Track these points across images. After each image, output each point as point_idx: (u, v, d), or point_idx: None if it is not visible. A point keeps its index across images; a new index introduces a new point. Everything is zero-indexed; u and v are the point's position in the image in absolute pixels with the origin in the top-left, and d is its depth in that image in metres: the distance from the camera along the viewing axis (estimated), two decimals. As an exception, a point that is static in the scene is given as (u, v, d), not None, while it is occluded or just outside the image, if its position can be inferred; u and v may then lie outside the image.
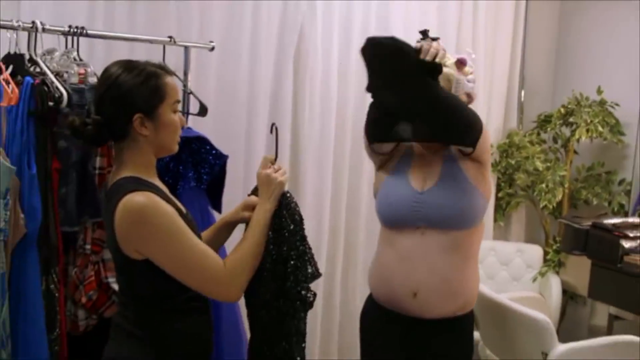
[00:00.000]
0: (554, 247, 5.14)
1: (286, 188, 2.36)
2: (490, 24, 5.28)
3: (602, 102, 5.16)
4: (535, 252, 5.26)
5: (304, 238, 2.32)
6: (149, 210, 2.07)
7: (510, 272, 5.26)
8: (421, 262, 2.74)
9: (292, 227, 2.30)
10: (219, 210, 3.34)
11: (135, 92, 2.15)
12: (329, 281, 4.59)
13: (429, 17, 4.88)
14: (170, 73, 2.26)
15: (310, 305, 2.33)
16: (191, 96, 3.48)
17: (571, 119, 5.17)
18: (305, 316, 2.35)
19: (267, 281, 2.28)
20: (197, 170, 3.23)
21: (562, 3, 5.73)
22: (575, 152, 5.30)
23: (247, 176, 4.03)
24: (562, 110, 5.25)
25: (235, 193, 3.74)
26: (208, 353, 2.34)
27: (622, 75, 5.18)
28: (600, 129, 5.00)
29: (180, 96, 2.30)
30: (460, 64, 2.74)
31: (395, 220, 2.80)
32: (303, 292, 2.30)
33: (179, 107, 2.28)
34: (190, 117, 3.45)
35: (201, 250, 2.13)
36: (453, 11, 5.05)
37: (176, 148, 2.29)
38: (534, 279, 5.15)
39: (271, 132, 2.41)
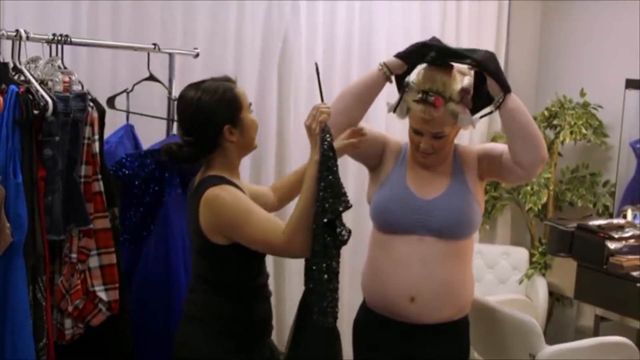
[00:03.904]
0: (540, 249, 5.16)
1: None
2: (473, 24, 5.29)
3: (585, 105, 5.17)
4: (521, 254, 5.28)
5: (330, 169, 2.33)
6: (227, 199, 2.38)
7: (496, 274, 5.27)
8: (418, 268, 2.75)
9: (318, 157, 2.35)
10: None
11: (219, 108, 2.45)
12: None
13: (412, 19, 4.90)
14: (235, 82, 2.55)
15: (342, 242, 2.35)
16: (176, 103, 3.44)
17: (555, 122, 5.18)
18: (338, 254, 2.37)
19: None
20: (183, 177, 3.22)
21: (544, 3, 5.74)
22: (559, 154, 5.31)
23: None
24: (546, 112, 5.26)
25: None
26: (267, 337, 2.64)
27: (605, 76, 5.18)
28: (584, 131, 5.01)
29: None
30: (465, 93, 2.72)
31: (395, 226, 2.79)
32: (337, 223, 2.33)
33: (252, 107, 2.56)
34: (175, 123, 3.43)
35: (264, 225, 2.38)
36: (436, 12, 5.07)
37: (256, 144, 2.58)
38: (520, 281, 5.17)
39: (317, 72, 2.51)
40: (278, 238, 2.36)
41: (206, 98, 2.45)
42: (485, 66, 2.65)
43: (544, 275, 5.10)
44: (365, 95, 2.74)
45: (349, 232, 2.37)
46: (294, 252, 2.40)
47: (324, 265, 2.32)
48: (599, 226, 4.45)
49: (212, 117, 2.44)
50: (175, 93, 3.48)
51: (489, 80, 2.67)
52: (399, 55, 2.76)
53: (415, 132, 2.78)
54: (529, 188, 5.13)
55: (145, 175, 3.16)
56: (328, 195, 2.30)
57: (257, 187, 2.95)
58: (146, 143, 3.38)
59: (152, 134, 3.55)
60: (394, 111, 2.80)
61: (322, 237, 2.32)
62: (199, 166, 3.06)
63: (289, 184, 2.86)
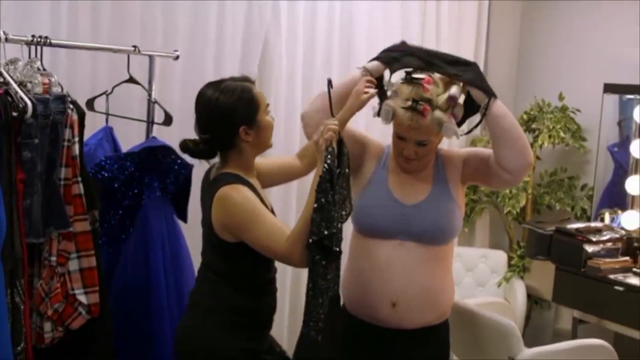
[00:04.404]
0: (518, 252, 5.18)
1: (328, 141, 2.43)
2: (454, 24, 5.30)
3: (563, 108, 5.19)
4: (499, 257, 5.30)
5: (324, 191, 2.36)
6: (238, 200, 2.44)
7: (475, 277, 5.29)
8: (400, 272, 2.75)
9: (323, 172, 2.37)
10: (184, 219, 3.33)
11: (236, 109, 2.50)
12: (295, 291, 4.58)
13: (392, 20, 4.91)
14: (253, 82, 2.63)
15: (332, 255, 2.40)
16: (156, 105, 3.46)
17: (534, 125, 5.18)
18: (325, 273, 2.40)
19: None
20: (162, 179, 3.22)
21: (524, 3, 5.74)
22: (538, 157, 5.28)
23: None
24: (525, 116, 5.25)
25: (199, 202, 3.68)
26: (269, 329, 2.72)
27: (584, 80, 5.19)
28: (562, 134, 5.04)
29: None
30: (452, 101, 2.71)
31: (376, 230, 2.79)
32: (325, 242, 2.35)
33: (269, 109, 2.61)
34: (155, 126, 3.44)
35: (269, 231, 2.44)
36: (416, 12, 5.08)
37: (271, 143, 2.65)
38: (499, 284, 5.18)
39: (328, 87, 2.58)
40: (280, 246, 2.43)
41: (224, 98, 2.51)
42: (470, 81, 2.71)
43: (522, 278, 5.11)
44: (345, 96, 2.73)
45: (339, 252, 2.42)
46: (294, 261, 2.46)
47: (311, 283, 2.39)
48: (577, 229, 4.46)
49: (229, 117, 2.51)
50: (155, 95, 3.48)
51: (472, 90, 2.72)
52: (381, 60, 2.79)
53: (399, 137, 2.77)
54: (507, 191, 5.14)
55: (124, 178, 3.16)
56: (317, 217, 2.34)
57: (280, 159, 3.01)
58: (125, 145, 3.36)
59: (132, 136, 3.54)
60: (379, 115, 2.79)
61: (312, 255, 2.37)
62: (178, 170, 3.16)
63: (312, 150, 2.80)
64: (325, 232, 2.34)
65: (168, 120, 3.44)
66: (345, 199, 2.48)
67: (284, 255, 2.45)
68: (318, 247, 2.36)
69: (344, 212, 2.48)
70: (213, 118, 2.53)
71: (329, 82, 2.59)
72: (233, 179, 2.52)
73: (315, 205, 2.34)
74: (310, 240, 2.34)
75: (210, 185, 2.57)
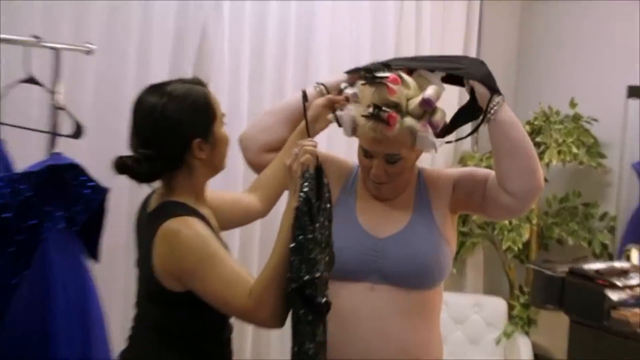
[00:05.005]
0: (522, 300, 5.20)
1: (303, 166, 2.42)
2: (437, 27, 5.42)
3: (576, 117, 5.26)
4: (497, 306, 5.33)
5: (302, 227, 2.33)
6: (189, 237, 2.38)
7: (466, 332, 5.31)
8: (370, 324, 2.73)
9: (299, 203, 2.35)
10: (95, 258, 3.30)
11: (188, 118, 2.48)
12: (239, 334, 4.44)
13: (361, 21, 5.01)
14: (206, 85, 2.60)
15: (319, 308, 2.36)
16: (62, 112, 3.37)
17: (538, 139, 5.21)
18: (312, 332, 2.36)
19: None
20: (68, 207, 3.18)
21: (523, 3, 5.88)
22: (544, 179, 5.26)
23: (133, 213, 3.91)
24: (527, 127, 5.28)
25: (118, 235, 3.76)
26: None
27: (601, 83, 5.27)
28: (574, 150, 5.08)
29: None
30: (427, 105, 2.69)
31: (341, 271, 2.71)
32: (307, 291, 2.32)
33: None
34: (60, 138, 3.35)
35: (228, 279, 2.38)
36: (391, 12, 5.17)
37: (225, 164, 2.64)
38: (498, 341, 5.21)
39: (303, 100, 2.64)
40: (242, 299, 2.36)
41: (173, 105, 2.47)
42: (471, 75, 2.74)
43: (527, 333, 5.14)
44: (296, 117, 2.81)
45: (327, 304, 2.38)
46: (260, 319, 2.39)
47: (297, 347, 2.35)
48: (597, 271, 4.40)
49: (180, 129, 2.48)
50: (62, 98, 3.38)
51: (476, 87, 2.74)
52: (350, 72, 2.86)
53: (365, 153, 2.78)
54: (506, 222, 5.17)
55: (18, 205, 3.08)
56: (296, 258, 2.31)
57: (232, 193, 3.05)
58: (20, 163, 3.31)
59: (29, 151, 3.50)
60: (339, 125, 2.81)
61: (294, 309, 2.34)
62: (89, 196, 3.15)
63: (272, 177, 2.90)
64: (307, 277, 2.30)
65: (78, 131, 3.36)
66: (327, 243, 2.46)
67: (247, 310, 2.37)
68: (300, 298, 2.32)
69: (327, 259, 2.44)
70: (159, 129, 2.48)
71: (304, 95, 2.62)
72: (181, 210, 2.47)
73: (293, 245, 2.31)
74: (290, 289, 2.30)
75: (150, 218, 2.53)
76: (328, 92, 2.83)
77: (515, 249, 5.18)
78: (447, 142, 2.83)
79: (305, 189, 2.35)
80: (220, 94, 4.41)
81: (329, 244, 2.45)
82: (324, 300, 2.35)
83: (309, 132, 2.62)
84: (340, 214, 2.79)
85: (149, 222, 2.52)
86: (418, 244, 2.79)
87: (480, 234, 5.50)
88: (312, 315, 2.34)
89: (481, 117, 2.73)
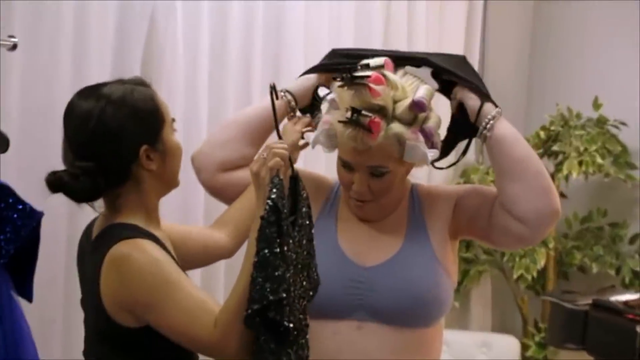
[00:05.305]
0: (537, 338, 5.20)
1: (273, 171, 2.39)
2: (433, 29, 5.49)
3: (601, 121, 5.21)
4: (508, 346, 5.28)
5: (268, 240, 2.30)
6: (142, 262, 2.34)
7: (472, 377, 5.22)
8: None
9: (265, 212, 2.33)
10: (27, 297, 3.15)
11: (131, 124, 2.44)
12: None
13: (343, 21, 5.05)
14: (149, 86, 2.58)
15: (285, 335, 2.33)
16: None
17: (555, 147, 5.21)
18: (275, 353, 2.33)
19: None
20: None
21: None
22: (562, 195, 5.09)
23: (74, 242, 3.58)
24: (542, 133, 5.29)
25: (55, 268, 3.79)
26: None
27: (630, 82, 5.26)
28: (599, 160, 5.03)
29: None
30: (418, 108, 2.64)
31: (321, 307, 2.69)
32: (270, 315, 2.30)
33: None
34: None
35: (190, 308, 2.34)
36: (378, 10, 5.21)
37: (179, 180, 2.63)
38: (509, 388, 5.06)
39: (272, 94, 2.57)
40: (206, 330, 2.34)
41: (111, 110, 2.44)
42: (466, 81, 2.76)
43: (543, 378, 5.13)
44: (259, 130, 2.84)
45: (296, 330, 2.36)
46: (228, 353, 2.34)
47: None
48: (626, 303, 4.41)
49: (122, 136, 2.45)
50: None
51: (467, 97, 2.75)
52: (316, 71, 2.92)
53: (344, 165, 2.73)
54: None
55: None
56: (259, 275, 2.28)
57: (194, 229, 3.07)
58: None
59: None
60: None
61: (255, 335, 2.32)
62: (18, 221, 3.00)
63: (243, 209, 2.86)
64: (271, 298, 2.25)
65: (2, 143, 3.22)
66: (307, 265, 2.45)
67: (213, 344, 2.32)
68: (262, 322, 2.29)
69: (305, 284, 2.43)
70: (97, 138, 2.44)
71: (273, 89, 2.57)
72: (130, 232, 2.42)
73: (256, 259, 2.27)
74: (249, 311, 2.27)
75: (95, 245, 2.49)
76: (296, 103, 2.85)
77: (529, 278, 5.13)
78: (438, 168, 2.88)
79: (273, 196, 2.32)
80: (174, 97, 4.40)
81: (309, 266, 2.45)
82: (291, 325, 2.32)
83: (279, 133, 2.53)
84: (318, 239, 2.71)
85: (93, 250, 2.49)
86: (412, 274, 2.76)
87: (487, 260, 5.46)
88: (275, 344, 2.32)
89: (481, 133, 2.73)
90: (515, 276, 5.16)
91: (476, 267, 5.40)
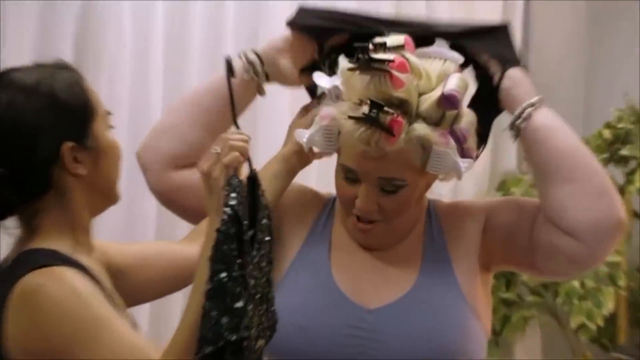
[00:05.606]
0: None
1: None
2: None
3: None
4: None
5: (226, 260, 2.21)
6: (57, 295, 2.24)
7: None
8: None
9: (222, 223, 2.23)
10: None
11: (51, 116, 2.36)
12: None
13: None
14: (76, 70, 2.51)
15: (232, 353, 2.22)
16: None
17: (625, 151, 5.05)
18: None
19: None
20: None
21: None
22: (636, 214, 5.11)
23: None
24: (607, 132, 5.14)
25: None
26: None
27: None
28: (686, 167, 4.76)
29: None
30: (450, 104, 2.48)
31: (306, 355, 2.63)
32: (227, 358, 2.21)
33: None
34: None
35: (121, 351, 2.25)
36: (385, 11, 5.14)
37: (119, 193, 2.55)
38: None
39: (227, 71, 2.49)
40: None
41: (22, 99, 2.36)
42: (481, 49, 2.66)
43: None
44: (212, 111, 2.70)
45: (236, 342, 2.23)
46: None
47: None
48: None
49: (39, 132, 2.36)
50: None
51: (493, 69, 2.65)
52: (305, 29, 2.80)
53: (347, 174, 2.56)
54: (576, 284, 4.94)
55: None
56: (214, 307, 2.17)
57: (153, 245, 3.16)
58: None
59: None
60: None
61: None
62: None
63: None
64: (229, 338, 2.14)
65: None
66: (266, 295, 2.35)
67: None
68: None
69: (263, 320, 2.34)
70: (6, 135, 2.36)
71: (229, 65, 2.45)
72: (47, 259, 2.27)
73: (210, 286, 2.16)
74: (202, 354, 2.16)
75: (4, 276, 2.36)
76: (267, 77, 2.74)
77: (593, 327, 4.88)
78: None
79: (232, 203, 2.23)
80: (118, 86, 4.54)
81: (267, 299, 2.35)
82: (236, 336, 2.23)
83: (235, 120, 2.39)
84: (306, 270, 2.74)
85: (1, 281, 2.38)
86: (429, 318, 2.62)
87: (535, 302, 5.30)
88: None
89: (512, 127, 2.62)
90: (573, 325, 4.94)
91: (520, 312, 5.24)
